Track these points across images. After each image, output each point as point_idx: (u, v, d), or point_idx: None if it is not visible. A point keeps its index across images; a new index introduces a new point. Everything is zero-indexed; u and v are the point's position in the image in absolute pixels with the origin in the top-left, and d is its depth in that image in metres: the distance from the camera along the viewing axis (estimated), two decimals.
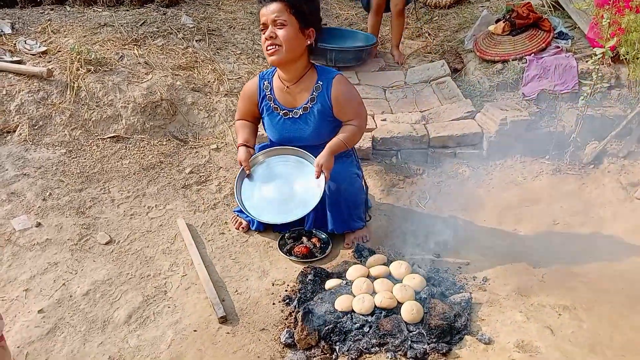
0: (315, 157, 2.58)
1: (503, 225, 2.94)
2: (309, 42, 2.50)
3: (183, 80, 3.84)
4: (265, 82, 2.68)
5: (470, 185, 3.32)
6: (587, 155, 3.34)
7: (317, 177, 2.55)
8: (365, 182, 2.87)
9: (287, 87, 2.60)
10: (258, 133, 2.86)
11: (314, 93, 2.59)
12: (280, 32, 2.41)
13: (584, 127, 3.33)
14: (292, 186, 2.67)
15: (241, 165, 2.69)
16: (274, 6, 2.39)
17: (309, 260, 2.68)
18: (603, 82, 3.37)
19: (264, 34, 2.44)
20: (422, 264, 2.60)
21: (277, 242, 2.80)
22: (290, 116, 2.64)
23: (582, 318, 2.26)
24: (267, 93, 2.66)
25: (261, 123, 2.83)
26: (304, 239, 2.81)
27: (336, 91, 2.57)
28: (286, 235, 2.83)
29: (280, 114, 2.65)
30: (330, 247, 2.76)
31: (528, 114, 3.46)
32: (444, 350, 2.10)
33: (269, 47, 2.43)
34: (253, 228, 2.91)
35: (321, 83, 2.58)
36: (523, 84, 3.81)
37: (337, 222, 2.77)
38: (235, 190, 2.68)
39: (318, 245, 2.77)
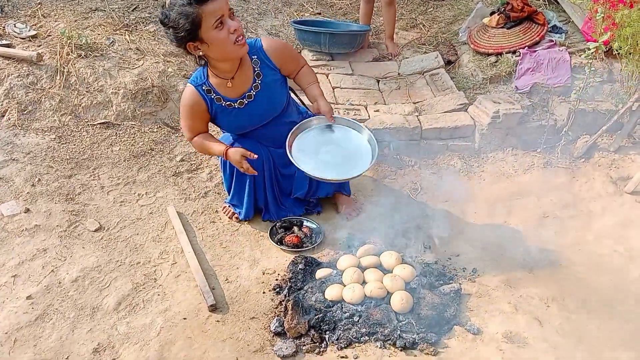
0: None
1: (493, 218, 2.96)
2: None
3: (175, 67, 3.80)
4: (204, 87, 2.51)
5: (461, 178, 3.33)
6: (578, 149, 3.36)
7: (332, 120, 2.61)
8: None
9: (232, 78, 2.49)
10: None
11: (256, 68, 2.54)
12: (239, 22, 2.33)
13: (576, 121, 3.34)
14: (345, 148, 2.61)
15: (248, 158, 2.51)
16: None
17: (300, 249, 2.68)
18: (596, 76, 3.37)
19: (220, 30, 2.24)
20: (413, 254, 2.60)
21: (267, 231, 2.80)
22: (246, 102, 2.55)
23: (570, 310, 2.28)
24: (213, 96, 2.53)
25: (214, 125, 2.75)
26: (295, 228, 2.81)
27: (271, 51, 2.55)
28: (277, 224, 2.82)
29: (235, 106, 2.55)
30: (321, 236, 2.76)
31: (520, 107, 3.47)
32: (433, 340, 2.11)
33: (239, 39, 2.31)
34: (241, 218, 2.89)
35: (255, 57, 2.53)
36: (516, 77, 3.81)
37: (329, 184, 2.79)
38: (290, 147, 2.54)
39: (309, 234, 2.77)
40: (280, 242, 2.73)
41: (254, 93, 2.55)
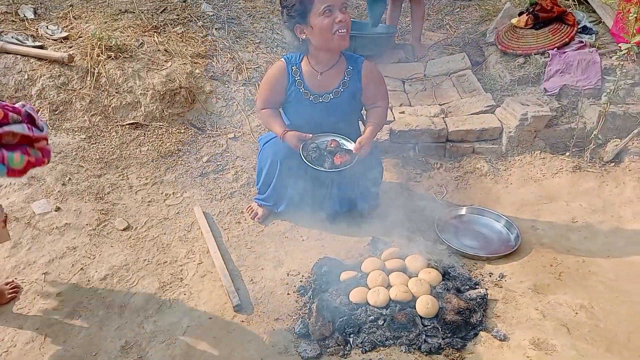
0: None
1: (520, 222, 2.91)
2: None
3: (202, 68, 3.84)
4: (293, 67, 2.67)
5: (488, 181, 3.29)
6: (608, 153, 3.29)
7: (355, 151, 2.60)
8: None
9: (320, 72, 2.63)
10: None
11: (345, 78, 2.65)
12: (347, 16, 2.44)
13: (606, 125, 3.28)
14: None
15: (303, 139, 2.63)
16: None
17: (341, 168, 2.57)
18: (627, 78, 3.30)
19: (327, 16, 2.39)
20: (438, 258, 2.59)
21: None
22: (321, 101, 2.67)
23: (599, 317, 2.24)
24: (296, 78, 2.67)
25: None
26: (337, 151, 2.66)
27: (367, 76, 2.65)
28: (310, 156, 2.63)
29: (310, 98, 2.67)
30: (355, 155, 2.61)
31: (549, 110, 3.41)
32: (459, 346, 2.10)
33: (341, 31, 2.42)
34: (278, 210, 2.90)
35: (351, 68, 2.65)
36: (545, 78, 3.75)
37: (366, 201, 2.89)
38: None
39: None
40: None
41: (332, 97, 2.66)
